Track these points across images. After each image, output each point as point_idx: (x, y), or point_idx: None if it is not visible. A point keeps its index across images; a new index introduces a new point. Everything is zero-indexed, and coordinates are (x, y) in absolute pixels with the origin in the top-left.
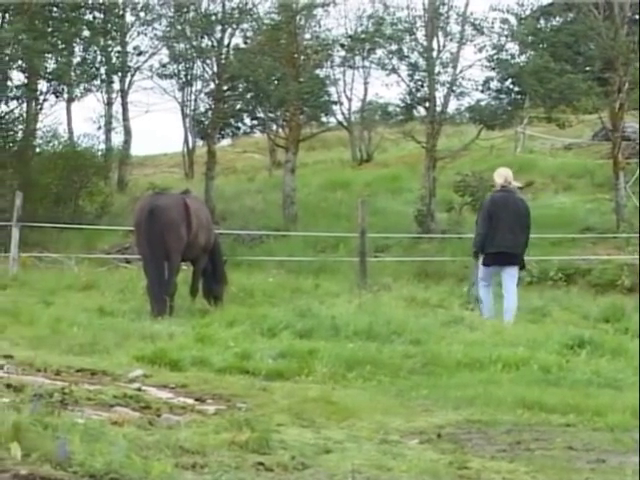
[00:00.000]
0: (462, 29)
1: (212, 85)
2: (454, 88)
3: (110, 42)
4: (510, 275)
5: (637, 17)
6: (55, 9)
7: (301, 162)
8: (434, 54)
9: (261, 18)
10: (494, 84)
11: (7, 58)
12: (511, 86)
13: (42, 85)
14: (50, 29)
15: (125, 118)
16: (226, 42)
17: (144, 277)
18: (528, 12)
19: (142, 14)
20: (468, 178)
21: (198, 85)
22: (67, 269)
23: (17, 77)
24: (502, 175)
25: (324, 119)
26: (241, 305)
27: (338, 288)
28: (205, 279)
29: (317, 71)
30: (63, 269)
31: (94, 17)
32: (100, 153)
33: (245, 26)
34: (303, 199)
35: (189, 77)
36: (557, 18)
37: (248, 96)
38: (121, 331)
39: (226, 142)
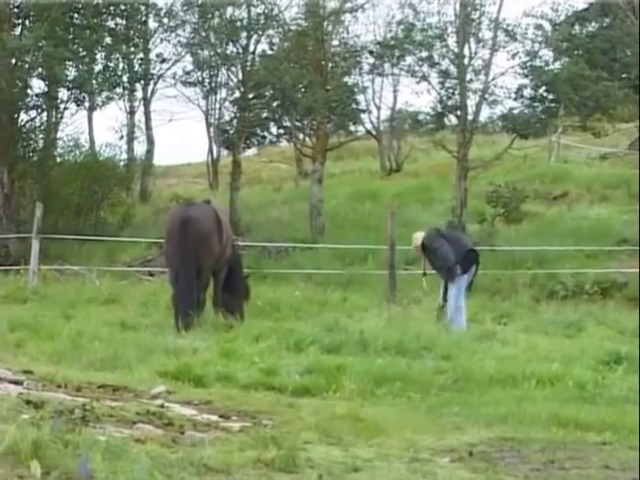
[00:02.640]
0: (494, 35)
1: (237, 93)
2: (486, 96)
3: (132, 49)
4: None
5: None
6: (76, 15)
7: (328, 172)
8: (465, 61)
9: (287, 24)
10: (527, 92)
11: (27, 66)
12: (545, 94)
13: (63, 93)
14: (71, 36)
15: (148, 127)
16: (251, 49)
17: (168, 290)
18: (562, 17)
19: (165, 20)
20: (501, 189)
21: (223, 93)
22: (88, 282)
23: (37, 85)
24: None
25: (352, 128)
26: (267, 319)
27: (367, 302)
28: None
29: (345, 78)
30: (84, 282)
31: (116, 24)
32: (122, 163)
33: (271, 32)
34: (331, 210)
35: (213, 85)
36: (593, 24)
37: (274, 104)
38: (144, 346)
39: (251, 152)
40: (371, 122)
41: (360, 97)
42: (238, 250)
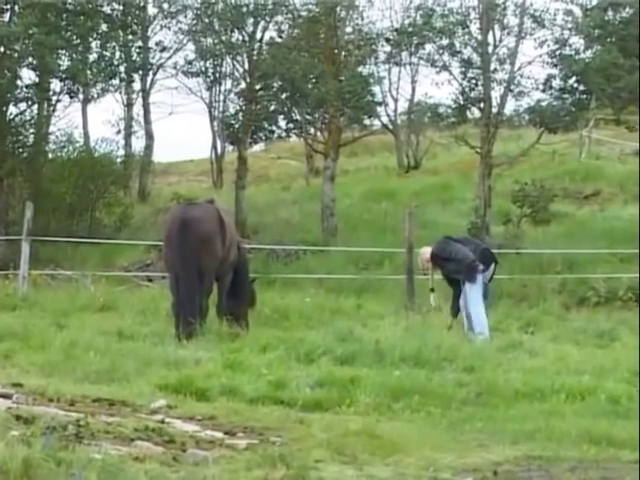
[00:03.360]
0: (521, 22)
1: (243, 84)
2: (512, 87)
3: (130, 37)
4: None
5: None
6: (69, 1)
7: (342, 169)
8: (490, 49)
9: (297, 10)
10: (556, 82)
11: (16, 55)
12: (575, 85)
13: (55, 84)
14: (64, 22)
15: (147, 121)
16: (259, 36)
17: (168, 297)
18: (594, 2)
19: (165, 6)
20: (527, 187)
21: (227, 84)
22: (82, 288)
23: (27, 76)
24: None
25: (367, 121)
26: (275, 328)
27: (383, 309)
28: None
29: (359, 68)
30: (78, 288)
31: (112, 9)
32: (119, 160)
33: (280, 19)
34: (344, 210)
35: (217, 75)
36: (627, 9)
37: (283, 96)
38: (142, 357)
39: (258, 147)
40: (387, 115)
41: (376, 88)
42: (244, 253)
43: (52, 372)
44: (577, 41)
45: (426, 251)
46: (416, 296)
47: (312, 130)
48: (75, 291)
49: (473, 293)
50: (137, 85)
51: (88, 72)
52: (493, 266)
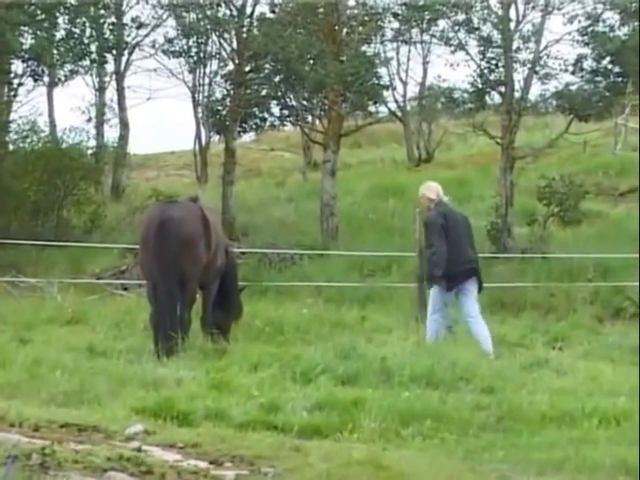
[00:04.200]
0: None
1: (231, 65)
2: (537, 68)
3: (102, 12)
4: (473, 294)
5: None
6: None
7: (343, 162)
8: (512, 26)
9: None
10: (588, 63)
11: None
12: (609, 66)
13: (17, 66)
14: None
15: (121, 107)
16: (249, 11)
17: (146, 307)
18: None
19: None
20: (555, 182)
21: (213, 65)
22: (48, 298)
23: None
24: (433, 190)
25: (372, 108)
26: (267, 343)
27: (390, 321)
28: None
29: (363, 48)
30: (43, 297)
31: None
32: (90, 151)
33: None
34: (346, 209)
35: (202, 55)
36: None
37: (276, 79)
38: (116, 376)
39: (249, 137)
40: (396, 101)
41: (382, 70)
42: (232, 258)
43: (14, 393)
44: (612, 16)
45: (430, 188)
46: (427, 306)
47: (310, 118)
48: (40, 301)
49: (433, 297)
50: (110, 67)
51: (54, 52)
52: (471, 284)
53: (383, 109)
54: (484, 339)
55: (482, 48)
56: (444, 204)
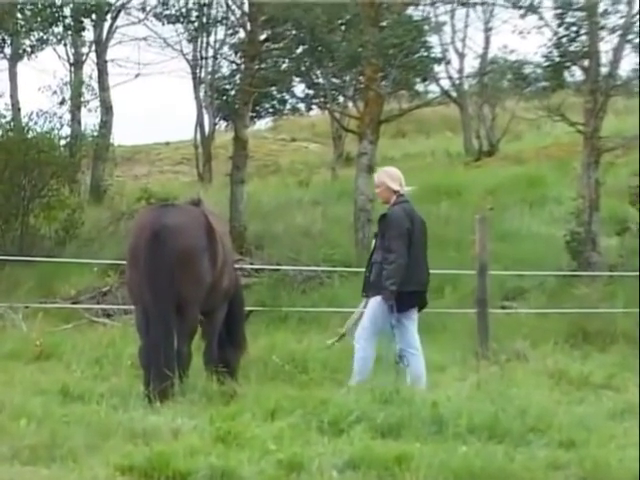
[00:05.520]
0: None
1: (242, 33)
2: (629, 37)
3: None
4: (414, 322)
5: None
6: None
7: (383, 156)
8: None
9: None
10: None
11: None
12: None
13: None
14: None
15: (103, 87)
16: None
17: (134, 338)
18: None
19: None
20: None
21: (219, 33)
22: (10, 326)
23: None
24: (396, 178)
25: (420, 87)
26: (288, 384)
27: (442, 357)
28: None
29: (409, 11)
30: (4, 326)
31: None
32: (64, 142)
33: None
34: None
35: (205, 20)
36: None
37: (299, 51)
38: (97, 426)
39: (264, 124)
40: (450, 78)
41: (433, 39)
42: (237, 278)
43: None
44: None
45: (393, 176)
46: (491, 338)
47: (341, 99)
48: (1, 331)
49: (373, 315)
50: (89, 35)
51: (18, 15)
52: (415, 309)
53: (434, 88)
54: (421, 378)
55: (560, 11)
56: (407, 200)
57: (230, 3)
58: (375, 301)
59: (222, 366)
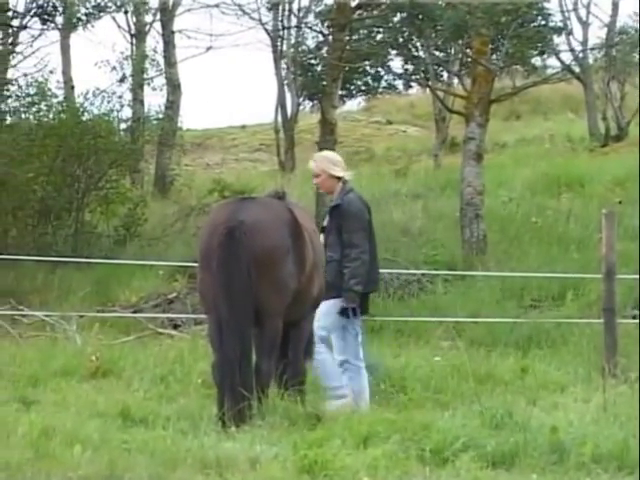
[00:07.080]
0: None
1: (329, 0)
2: None
3: None
4: (360, 328)
5: None
6: None
7: (495, 141)
8: None
9: None
10: None
11: None
12: None
13: (18, 3)
14: None
15: (169, 62)
16: None
17: (208, 353)
18: None
19: None
20: None
21: (304, 0)
22: (63, 339)
23: None
24: (339, 163)
25: (537, 61)
26: (383, 406)
27: (563, 374)
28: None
29: None
30: (55, 339)
31: None
32: (124, 126)
33: None
34: (498, 210)
35: None
36: None
37: (395, 19)
38: (162, 454)
39: (355, 105)
40: (571, 50)
41: (552, 5)
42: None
43: (15, 478)
44: None
45: (334, 160)
46: (620, 352)
47: (445, 76)
48: (50, 344)
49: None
50: (153, 1)
51: None
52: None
53: (553, 63)
54: (364, 394)
55: None
56: (353, 189)
57: None
58: (327, 305)
59: (282, 381)
